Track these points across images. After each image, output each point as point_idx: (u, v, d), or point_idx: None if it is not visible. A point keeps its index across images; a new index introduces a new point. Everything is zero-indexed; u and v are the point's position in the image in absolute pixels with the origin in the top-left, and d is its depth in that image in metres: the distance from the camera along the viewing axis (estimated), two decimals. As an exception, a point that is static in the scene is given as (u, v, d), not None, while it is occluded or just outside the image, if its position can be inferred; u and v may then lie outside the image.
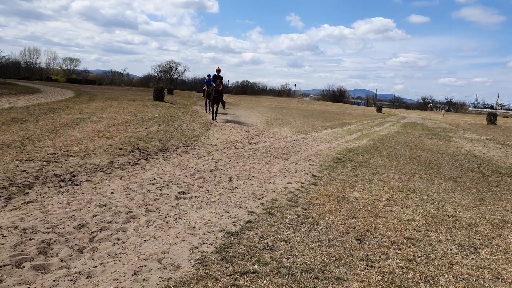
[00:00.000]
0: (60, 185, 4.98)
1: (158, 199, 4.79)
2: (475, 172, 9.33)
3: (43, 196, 4.50)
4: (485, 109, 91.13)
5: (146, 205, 4.51)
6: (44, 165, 5.71)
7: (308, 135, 14.92)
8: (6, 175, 4.94)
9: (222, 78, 16.40)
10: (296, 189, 5.94)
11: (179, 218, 4.14)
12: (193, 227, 3.88)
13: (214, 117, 16.25)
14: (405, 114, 47.83)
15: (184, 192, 5.22)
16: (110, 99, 24.46)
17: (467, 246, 4.00)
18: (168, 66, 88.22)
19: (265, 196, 5.35)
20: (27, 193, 4.57)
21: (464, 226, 4.68)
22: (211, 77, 19.43)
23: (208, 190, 5.44)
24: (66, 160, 6.20)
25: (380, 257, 3.59)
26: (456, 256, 3.70)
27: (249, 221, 4.20)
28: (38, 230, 3.42)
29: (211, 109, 18.71)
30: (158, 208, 4.45)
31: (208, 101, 19.79)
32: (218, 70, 16.32)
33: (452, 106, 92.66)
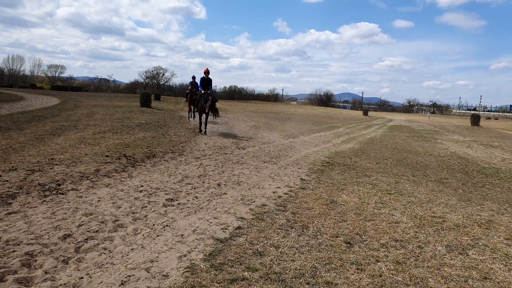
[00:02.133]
0: (45, 195, 4.87)
1: (146, 206, 4.72)
2: (461, 173, 9.48)
3: (27, 206, 4.39)
4: (468, 111, 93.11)
5: (134, 213, 4.44)
6: (28, 174, 5.58)
7: (296, 139, 14.97)
8: (-12, 185, 4.81)
9: (211, 82, 13.92)
10: (285, 194, 5.93)
11: (167, 225, 4.09)
12: (182, 235, 3.83)
13: (204, 129, 13.55)
14: (391, 117, 48.50)
15: (172, 199, 5.16)
16: (96, 106, 24.17)
17: (455, 247, 4.04)
18: (155, 72, 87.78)
19: (254, 201, 5.32)
20: (10, 203, 4.45)
21: (452, 227, 4.73)
22: (196, 79, 17.36)
23: (196, 197, 5.39)
24: (51, 168, 6.07)
25: (370, 260, 3.59)
26: (445, 257, 3.74)
27: (238, 227, 4.17)
28: (22, 242, 3.32)
29: (193, 116, 17.16)
30: (145, 216, 4.39)
31: (193, 108, 17.48)
32: (207, 72, 13.75)
33: (437, 109, 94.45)
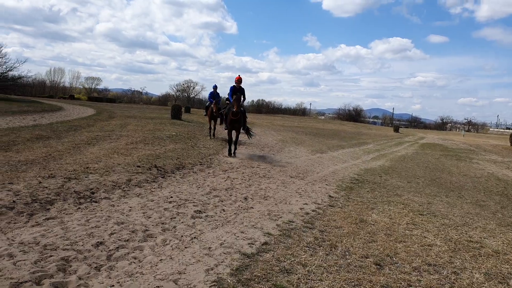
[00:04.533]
0: (80, 202, 5.06)
1: (175, 217, 4.80)
2: (499, 195, 9.02)
3: (63, 213, 4.57)
4: (507, 130, 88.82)
5: (163, 223, 4.52)
6: (65, 181, 5.83)
7: (324, 154, 14.82)
8: (29, 191, 5.06)
9: (244, 92, 11.39)
10: (313, 210, 5.85)
11: (195, 237, 4.13)
12: (209, 248, 3.85)
13: (233, 151, 11.26)
14: (423, 134, 47.07)
15: (200, 211, 5.21)
16: (129, 117, 24.99)
17: (494, 275, 3.82)
18: (185, 85, 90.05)
19: (281, 217, 5.29)
20: (48, 209, 4.65)
21: (491, 254, 4.49)
22: (218, 89, 15.44)
23: (223, 210, 5.42)
24: (86, 177, 6.31)
25: (401, 284, 3.47)
26: (483, 286, 3.54)
27: (265, 243, 4.15)
28: (58, 247, 3.46)
29: (214, 135, 15.23)
30: (174, 227, 4.45)
31: (221, 125, 14.60)
32: (239, 80, 11.33)
33: (472, 127, 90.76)
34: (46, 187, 5.36)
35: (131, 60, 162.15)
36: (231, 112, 10.99)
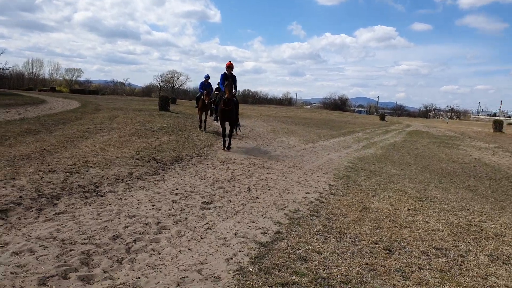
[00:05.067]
0: (86, 196, 5.02)
1: (184, 209, 4.82)
2: (489, 180, 9.34)
3: (72, 207, 4.53)
4: (488, 117, 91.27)
5: (174, 215, 4.54)
6: (67, 176, 5.76)
7: (316, 144, 14.97)
8: (33, 186, 4.98)
9: (235, 80, 10.45)
10: (316, 199, 5.96)
11: (208, 228, 4.17)
12: (225, 238, 3.91)
13: (227, 144, 10.59)
14: (408, 122, 47.91)
15: (207, 202, 5.25)
16: (116, 109, 24.59)
17: (498, 257, 4.01)
18: (170, 76, 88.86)
19: (287, 207, 5.37)
20: (56, 204, 4.60)
21: (491, 236, 4.69)
22: (209, 80, 14.63)
23: (230, 200, 5.47)
24: (87, 171, 6.24)
25: (413, 267, 3.60)
26: (489, 267, 3.72)
27: (278, 232, 4.23)
28: (76, 241, 3.45)
29: (204, 128, 14.45)
30: (185, 218, 4.48)
31: (205, 117, 14.60)
32: (230, 67, 10.33)
33: (454, 114, 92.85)
34: (50, 182, 5.29)
35: (112, 50, 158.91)
36: (222, 101, 10.06)
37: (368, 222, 4.96)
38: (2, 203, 4.26)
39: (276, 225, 4.45)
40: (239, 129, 12.26)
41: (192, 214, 4.67)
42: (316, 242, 4.02)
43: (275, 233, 4.17)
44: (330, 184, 7.20)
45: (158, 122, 16.69)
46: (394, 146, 16.65)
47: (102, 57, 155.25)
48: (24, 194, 4.63)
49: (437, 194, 7.15)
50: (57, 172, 5.92)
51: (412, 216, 5.36)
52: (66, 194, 4.96)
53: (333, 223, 4.77)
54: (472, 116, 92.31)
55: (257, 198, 5.74)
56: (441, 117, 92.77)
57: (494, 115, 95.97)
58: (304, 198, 6.00)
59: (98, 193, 5.23)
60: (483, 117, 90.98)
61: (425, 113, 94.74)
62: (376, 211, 5.51)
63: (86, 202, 4.79)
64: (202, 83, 14.76)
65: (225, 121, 10.48)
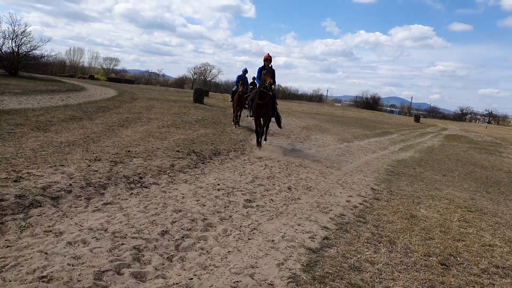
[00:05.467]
0: (131, 187, 5.06)
1: (228, 206, 4.76)
2: (542, 193, 8.73)
3: (119, 198, 4.58)
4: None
5: (218, 212, 4.49)
6: (112, 165, 5.84)
7: (351, 143, 14.60)
8: (82, 175, 5.07)
9: (274, 74, 9.46)
10: (360, 204, 5.75)
11: (254, 229, 4.08)
12: (272, 240, 3.80)
13: (260, 139, 9.92)
14: (444, 125, 46.06)
15: (249, 200, 5.17)
16: (151, 99, 25.05)
17: None
18: (203, 68, 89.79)
19: (331, 210, 5.20)
20: (103, 193, 4.66)
21: (557, 257, 4.33)
22: (245, 74, 14.02)
23: (272, 199, 5.36)
24: (130, 161, 6.32)
25: (474, 286, 3.36)
26: (561, 292, 3.41)
27: (326, 237, 4.08)
28: (127, 235, 3.45)
29: (238, 122, 14.00)
30: (230, 216, 4.41)
31: (245, 111, 14.04)
32: (268, 59, 9.43)
33: (493, 118, 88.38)
34: (96, 171, 5.38)
35: (148, 41, 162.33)
36: (257, 94, 9.29)
37: (418, 231, 4.71)
38: (54, 190, 4.35)
39: (323, 230, 4.30)
40: (281, 122, 11.13)
41: (236, 212, 4.59)
42: (367, 251, 3.84)
43: (323, 239, 4.02)
44: (372, 188, 6.95)
45: (193, 114, 16.82)
46: (432, 150, 15.99)
47: (138, 47, 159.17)
48: (73, 182, 4.72)
49: (486, 205, 6.74)
50: (102, 161, 6.02)
51: (464, 228, 5.05)
52: (112, 184, 5.02)
53: (381, 231, 4.57)
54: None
55: (299, 199, 5.60)
56: (477, 121, 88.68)
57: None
58: (348, 201, 5.80)
59: (143, 185, 5.26)
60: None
61: (460, 116, 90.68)
62: (425, 220, 5.23)
63: (132, 193, 4.83)
64: (239, 77, 14.33)
65: (260, 117, 9.69)
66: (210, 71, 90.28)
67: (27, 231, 3.35)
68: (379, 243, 4.16)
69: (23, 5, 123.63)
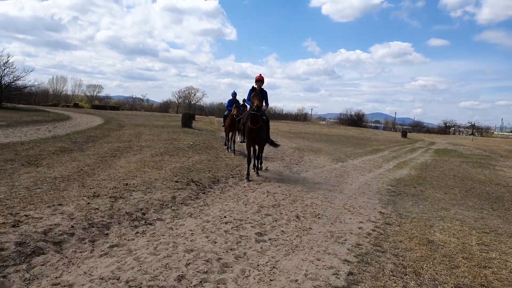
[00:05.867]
0: (135, 225, 4.75)
1: (240, 242, 4.49)
2: (544, 207, 8.70)
3: (124, 238, 4.26)
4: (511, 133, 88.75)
5: (231, 249, 4.22)
6: (112, 201, 5.52)
7: (345, 163, 14.52)
8: (82, 214, 4.74)
9: (266, 95, 9.11)
10: (373, 230, 5.55)
11: (274, 267, 3.82)
12: (296, 280, 3.55)
13: (256, 166, 9.59)
14: (430, 139, 46.81)
15: (260, 233, 4.91)
16: (139, 125, 24.72)
17: None
18: (187, 92, 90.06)
19: (346, 240, 4.98)
20: (107, 234, 4.35)
21: None
22: (237, 96, 13.88)
23: (283, 231, 5.11)
24: (130, 195, 6.00)
25: (516, 320, 3.16)
26: None
27: (350, 273, 3.84)
28: (142, 284, 3.15)
29: (233, 148, 13.48)
30: (245, 253, 4.14)
31: (236, 136, 13.95)
32: (260, 79, 8.95)
33: (476, 130, 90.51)
34: (97, 209, 5.05)
35: (131, 67, 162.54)
36: (249, 118, 8.64)
37: (440, 259, 4.52)
38: (55, 234, 4.02)
39: (345, 264, 4.06)
40: (276, 143, 10.65)
41: (250, 248, 4.33)
42: (397, 287, 3.61)
43: (348, 275, 3.78)
44: (380, 212, 6.77)
45: (184, 139, 16.56)
46: (427, 166, 16.03)
47: (121, 73, 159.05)
48: (75, 224, 4.39)
49: (498, 224, 6.62)
50: (101, 197, 5.69)
51: (486, 253, 4.89)
52: (115, 223, 4.71)
53: (402, 261, 4.36)
54: (495, 132, 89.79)
55: (311, 228, 5.36)
56: (461, 133, 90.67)
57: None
58: (360, 228, 5.60)
59: (147, 221, 4.96)
60: (507, 133, 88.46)
61: (444, 130, 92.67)
62: (443, 246, 5.05)
63: (137, 232, 4.52)
64: (230, 101, 14.08)
65: (253, 143, 9.16)
66: (195, 94, 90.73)
67: (33, 285, 3.02)
68: (404, 275, 3.94)
69: (4, 36, 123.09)
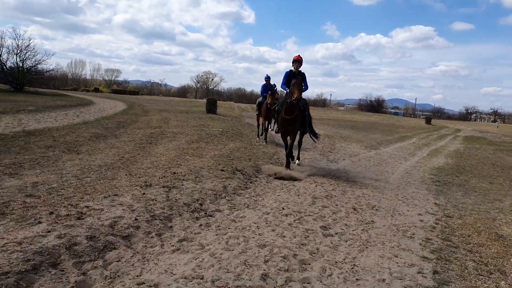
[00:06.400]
0: (196, 217, 4.63)
1: (308, 236, 4.31)
2: None
3: (190, 232, 4.14)
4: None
5: (303, 244, 4.04)
6: (166, 191, 5.40)
7: (379, 150, 14.18)
8: (142, 205, 4.63)
9: (305, 78, 8.12)
10: (436, 223, 5.30)
11: (354, 265, 3.62)
12: (383, 280, 3.35)
13: (294, 160, 8.93)
14: (454, 126, 45.58)
15: (325, 227, 4.71)
16: (163, 111, 24.68)
17: None
18: (205, 76, 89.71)
19: (414, 234, 4.75)
20: (171, 227, 4.23)
21: None
22: (269, 81, 12.56)
23: (346, 224, 4.91)
24: (182, 185, 5.88)
25: None
26: None
27: (435, 271, 3.62)
28: (228, 284, 3.00)
29: (264, 136, 12.62)
30: (317, 249, 3.96)
31: (271, 125, 12.96)
32: (298, 60, 8.03)
33: (498, 117, 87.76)
34: (154, 200, 4.94)
35: (148, 51, 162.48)
36: (284, 107, 7.83)
37: (520, 257, 4.25)
38: (122, 227, 3.91)
39: (425, 262, 3.84)
40: (317, 135, 9.65)
41: (320, 243, 4.14)
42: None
43: (433, 273, 3.56)
44: (435, 203, 6.50)
45: (213, 126, 16.41)
46: (461, 154, 15.52)
47: (138, 57, 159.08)
48: (138, 216, 4.27)
49: None
50: (154, 187, 5.58)
51: None
52: (176, 215, 4.58)
53: (480, 258, 4.12)
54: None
55: (373, 222, 5.14)
56: (483, 120, 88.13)
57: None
58: (421, 221, 5.36)
59: (207, 213, 4.82)
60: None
61: (465, 116, 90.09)
62: (516, 242, 4.77)
63: (201, 225, 4.38)
64: (264, 86, 12.90)
65: (288, 134, 8.27)
66: (213, 79, 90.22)
67: (116, 283, 2.90)
68: (490, 274, 3.71)
69: (21, 19, 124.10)
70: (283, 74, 8.40)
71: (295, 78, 7.67)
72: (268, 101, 11.66)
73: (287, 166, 8.19)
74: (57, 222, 3.73)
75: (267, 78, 12.88)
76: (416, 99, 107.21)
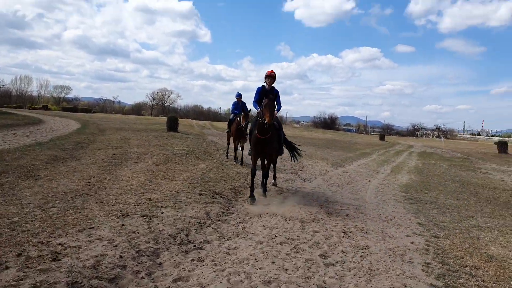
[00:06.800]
0: (185, 250, 4.18)
1: (310, 268, 4.03)
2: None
3: (183, 269, 3.69)
4: (473, 136, 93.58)
5: (308, 277, 3.75)
6: (146, 221, 4.89)
7: (344, 168, 14.38)
8: (123, 239, 4.10)
9: (278, 95, 7.44)
10: (427, 245, 5.27)
11: (368, 299, 3.39)
12: (403, 314, 3.13)
13: (264, 183, 7.84)
14: (405, 142, 48.09)
15: (323, 255, 4.47)
16: (119, 129, 23.54)
17: None
18: (161, 93, 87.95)
19: (411, 258, 4.66)
20: (160, 264, 3.75)
21: None
22: (241, 99, 12.23)
23: (343, 251, 4.70)
24: (161, 213, 5.37)
25: None
26: None
27: (449, 300, 3.48)
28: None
29: (236, 157, 12.25)
30: (324, 282, 3.70)
31: (238, 142, 12.26)
32: (271, 76, 7.37)
33: (441, 133, 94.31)
34: (135, 232, 4.42)
35: (101, 68, 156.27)
36: (257, 127, 6.96)
37: (516, 278, 4.27)
38: (106, 267, 3.38)
39: (435, 290, 3.70)
40: (298, 151, 9.31)
41: (325, 274, 3.88)
42: (505, 316, 3.28)
43: (448, 303, 3.42)
44: (419, 223, 6.52)
45: (176, 145, 15.81)
46: (421, 170, 16.17)
47: (90, 74, 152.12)
48: (122, 253, 3.76)
49: (535, 234, 6.54)
50: (132, 216, 5.04)
51: (554, 268, 4.70)
52: (164, 249, 4.11)
53: (482, 282, 4.08)
54: (458, 135, 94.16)
55: (368, 246, 4.98)
56: (428, 136, 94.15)
57: (478, 134, 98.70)
58: (412, 243, 5.30)
59: (195, 245, 4.39)
60: (468, 136, 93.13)
61: (412, 132, 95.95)
62: (506, 261, 4.83)
63: (193, 260, 3.95)
64: (235, 104, 12.36)
65: (264, 156, 7.48)
66: (169, 96, 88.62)
67: None
68: (499, 300, 3.64)
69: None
70: (255, 90, 7.57)
71: (267, 96, 6.84)
72: (242, 124, 11.25)
73: (251, 195, 7.06)
74: (28, 267, 3.14)
75: (238, 96, 12.41)
76: (367, 116, 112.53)
